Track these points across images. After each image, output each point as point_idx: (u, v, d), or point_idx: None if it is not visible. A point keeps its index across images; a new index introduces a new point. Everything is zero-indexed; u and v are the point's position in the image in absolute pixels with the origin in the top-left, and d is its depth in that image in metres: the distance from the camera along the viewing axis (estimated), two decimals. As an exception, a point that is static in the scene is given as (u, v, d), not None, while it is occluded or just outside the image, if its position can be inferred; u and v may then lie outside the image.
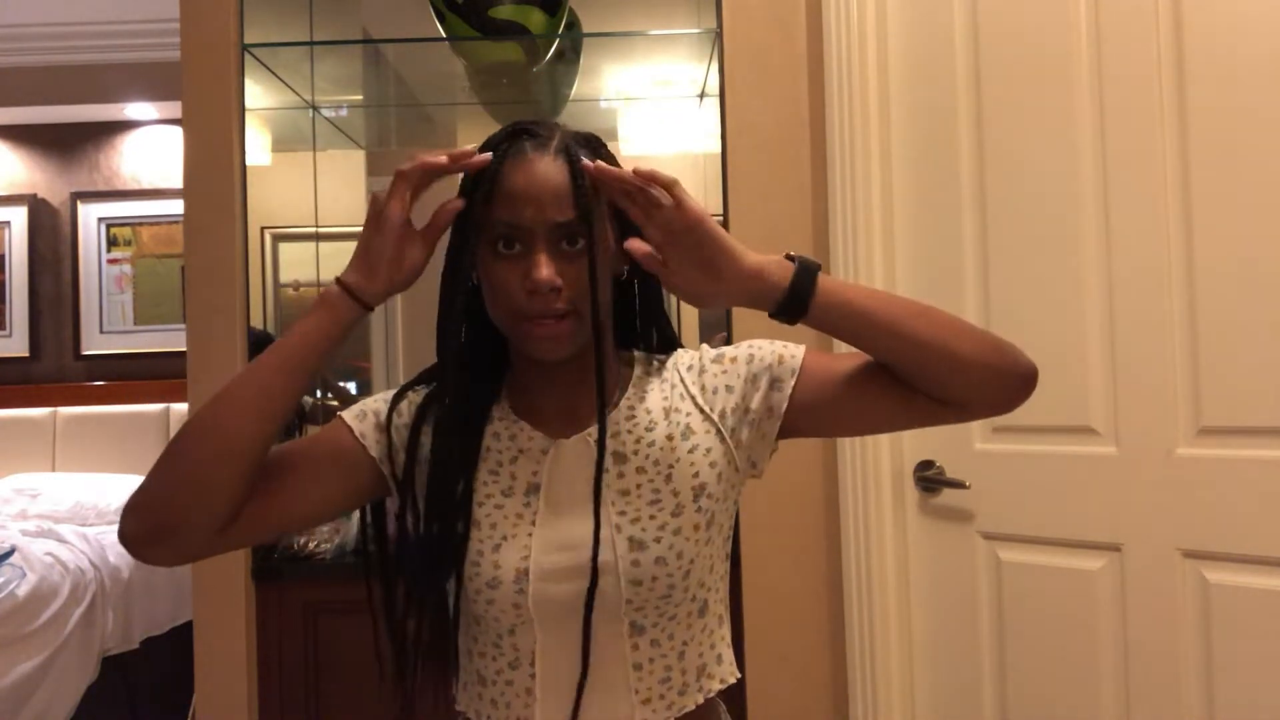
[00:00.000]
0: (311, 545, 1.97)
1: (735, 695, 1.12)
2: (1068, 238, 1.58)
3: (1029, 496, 1.65)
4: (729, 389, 0.97)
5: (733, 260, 0.86)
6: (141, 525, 0.85)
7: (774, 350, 0.97)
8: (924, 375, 0.89)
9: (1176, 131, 1.47)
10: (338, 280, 0.89)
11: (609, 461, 0.93)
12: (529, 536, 0.91)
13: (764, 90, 1.94)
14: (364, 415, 0.96)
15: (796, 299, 0.86)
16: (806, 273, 0.86)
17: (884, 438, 1.80)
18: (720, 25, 1.95)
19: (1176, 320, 1.47)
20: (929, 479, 1.76)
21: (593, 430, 0.94)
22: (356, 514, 1.98)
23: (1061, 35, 1.59)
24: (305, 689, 1.92)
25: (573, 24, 2.23)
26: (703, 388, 0.98)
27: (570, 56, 2.35)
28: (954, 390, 0.89)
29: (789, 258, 0.87)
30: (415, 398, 0.98)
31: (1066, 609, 1.60)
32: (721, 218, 1.95)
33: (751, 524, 1.90)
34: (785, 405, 0.94)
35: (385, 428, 0.95)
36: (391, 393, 0.99)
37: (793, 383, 0.94)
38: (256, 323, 2.05)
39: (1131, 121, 1.51)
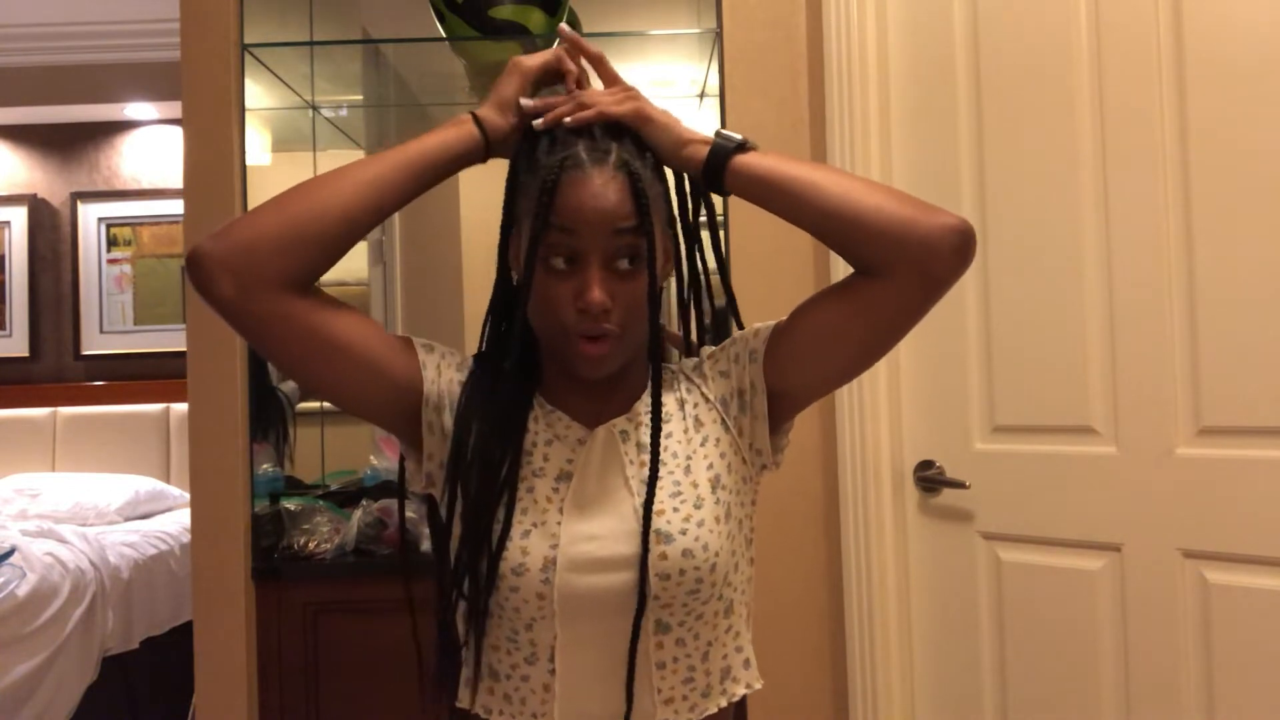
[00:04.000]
0: (311, 545, 1.97)
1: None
2: (1068, 238, 1.58)
3: (1029, 496, 1.65)
4: (724, 374, 0.99)
5: (662, 143, 0.94)
6: (222, 244, 0.86)
7: (751, 329, 0.99)
8: (846, 239, 0.90)
9: (1177, 132, 1.47)
10: (471, 112, 0.94)
11: (633, 453, 0.95)
12: (558, 525, 0.91)
13: (764, 90, 1.94)
14: (431, 349, 0.97)
15: (711, 172, 0.93)
16: (722, 150, 0.93)
17: (884, 437, 1.80)
18: (720, 25, 1.95)
19: (1176, 320, 1.47)
20: (929, 479, 1.76)
21: (617, 421, 0.96)
22: (357, 513, 1.99)
23: (1062, 35, 1.59)
24: (305, 689, 1.92)
25: (573, 24, 2.23)
26: (704, 377, 1.00)
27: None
28: (878, 251, 0.88)
29: (716, 134, 0.94)
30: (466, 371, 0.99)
31: (1066, 609, 1.60)
32: (722, 218, 1.95)
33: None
34: (762, 372, 0.96)
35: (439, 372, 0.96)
36: (459, 354, 1.00)
37: (764, 350, 0.96)
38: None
39: (1132, 122, 1.51)
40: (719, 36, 1.95)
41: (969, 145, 1.70)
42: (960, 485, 1.70)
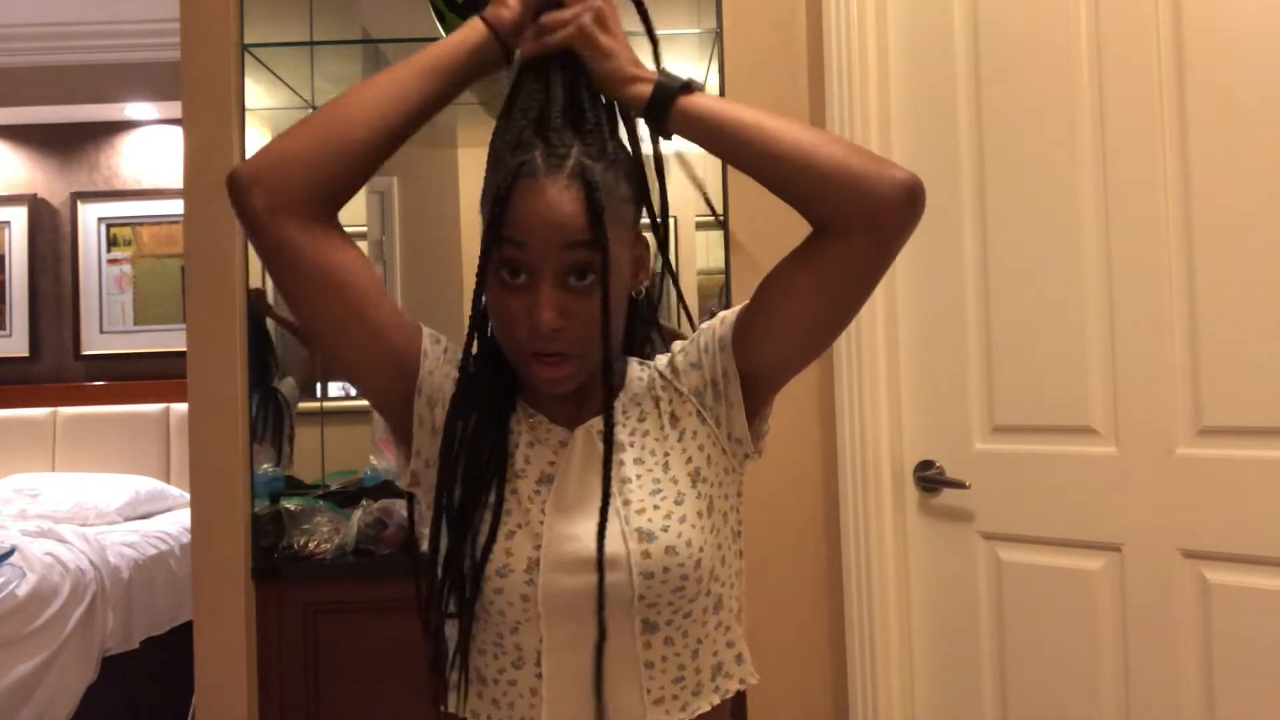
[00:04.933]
0: (311, 545, 1.97)
1: (736, 695, 1.12)
2: (1068, 237, 1.58)
3: (1029, 496, 1.65)
4: (695, 366, 0.97)
5: (606, 74, 0.91)
6: (255, 162, 0.88)
7: (719, 317, 0.98)
8: (793, 186, 0.88)
9: (1176, 131, 1.47)
10: (479, 15, 0.94)
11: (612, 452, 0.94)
12: (541, 525, 0.91)
13: (764, 90, 1.94)
14: (438, 340, 0.97)
15: (655, 110, 0.90)
16: (665, 90, 0.90)
17: (884, 437, 1.80)
18: (720, 25, 1.95)
19: (1176, 320, 1.47)
20: (929, 479, 1.76)
21: (594, 422, 0.95)
22: (357, 513, 1.99)
23: (1061, 34, 1.59)
24: (305, 689, 1.92)
25: (573, 24, 2.23)
26: (675, 371, 0.99)
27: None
28: (826, 202, 0.86)
29: (660, 72, 0.92)
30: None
31: (1066, 609, 1.60)
32: (722, 218, 1.95)
33: (751, 523, 1.88)
34: (733, 358, 0.94)
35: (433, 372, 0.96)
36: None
37: (731, 335, 0.95)
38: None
39: (1132, 121, 1.51)
40: (719, 36, 1.95)
41: (969, 145, 1.70)
42: (960, 485, 1.70)
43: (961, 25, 1.72)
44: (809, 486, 1.91)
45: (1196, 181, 1.45)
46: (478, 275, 0.89)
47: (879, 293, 1.79)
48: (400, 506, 2.00)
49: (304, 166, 0.87)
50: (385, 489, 2.14)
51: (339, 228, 0.91)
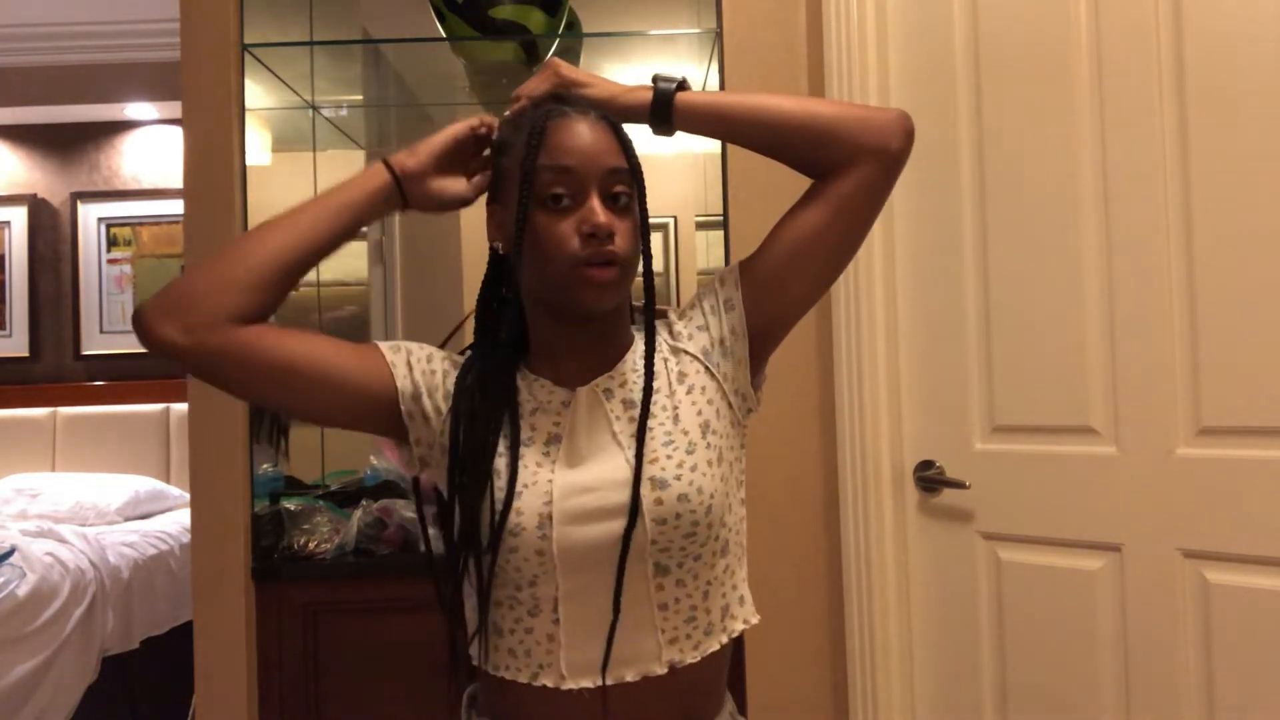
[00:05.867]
0: (312, 545, 1.97)
1: (736, 694, 1.12)
2: (1068, 237, 1.58)
3: (1029, 496, 1.65)
4: (701, 329, 1.02)
5: (603, 96, 1.01)
6: (160, 299, 0.92)
7: (716, 280, 1.03)
8: (812, 143, 0.97)
9: (1176, 131, 1.47)
10: (384, 158, 1.00)
11: (619, 409, 0.97)
12: (549, 483, 0.93)
13: (764, 90, 1.94)
14: (398, 349, 1.00)
15: (659, 108, 0.99)
16: (664, 90, 0.99)
17: (884, 437, 1.80)
18: (720, 25, 1.95)
19: (1176, 320, 1.47)
20: (929, 479, 1.76)
21: (600, 380, 0.99)
22: (357, 513, 1.99)
23: (1061, 34, 1.59)
24: (305, 689, 1.92)
25: (573, 24, 2.23)
26: (680, 335, 1.03)
27: (570, 56, 2.35)
28: (842, 146, 0.96)
29: (655, 78, 1.00)
30: (449, 362, 1.01)
31: (1066, 609, 1.60)
32: (721, 217, 1.95)
33: (751, 523, 1.89)
34: (743, 314, 1.00)
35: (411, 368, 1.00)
36: (429, 347, 1.03)
37: (739, 293, 1.00)
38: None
39: (1132, 121, 1.51)
40: (719, 36, 1.95)
41: (969, 145, 1.70)
42: (960, 485, 1.70)
43: (961, 26, 1.72)
44: (809, 486, 1.91)
45: (1196, 181, 1.45)
46: (517, 220, 0.93)
47: (879, 292, 1.79)
48: (400, 506, 2.01)
49: (210, 296, 0.91)
50: (385, 489, 2.14)
51: (267, 323, 0.95)
